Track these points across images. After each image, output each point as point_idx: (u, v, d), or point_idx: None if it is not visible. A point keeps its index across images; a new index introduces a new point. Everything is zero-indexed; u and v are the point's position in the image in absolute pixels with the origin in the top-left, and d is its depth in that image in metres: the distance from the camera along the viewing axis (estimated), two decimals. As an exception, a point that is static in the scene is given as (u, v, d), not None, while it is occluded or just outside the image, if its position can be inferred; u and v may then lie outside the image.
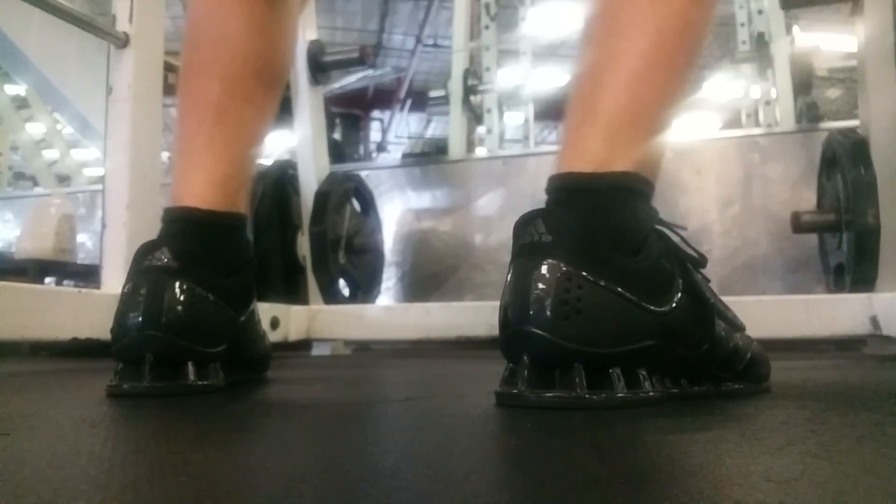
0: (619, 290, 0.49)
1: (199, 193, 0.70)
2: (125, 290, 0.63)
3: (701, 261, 0.56)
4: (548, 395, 0.49)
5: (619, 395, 0.49)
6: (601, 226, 0.51)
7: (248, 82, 0.75)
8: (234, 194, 0.73)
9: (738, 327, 0.59)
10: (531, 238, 0.50)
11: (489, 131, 3.11)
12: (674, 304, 0.52)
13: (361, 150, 9.33)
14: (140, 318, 0.61)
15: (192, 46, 0.77)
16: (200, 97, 0.74)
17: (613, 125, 0.54)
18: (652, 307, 0.50)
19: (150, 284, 0.62)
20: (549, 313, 0.48)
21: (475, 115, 3.03)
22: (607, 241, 0.50)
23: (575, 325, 0.48)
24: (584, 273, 0.48)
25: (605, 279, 0.49)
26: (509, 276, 0.51)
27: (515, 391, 0.50)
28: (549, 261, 0.49)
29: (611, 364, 0.49)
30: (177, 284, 0.62)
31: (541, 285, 0.48)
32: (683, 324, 0.53)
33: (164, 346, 0.61)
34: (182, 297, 0.62)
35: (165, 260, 0.63)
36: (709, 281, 0.57)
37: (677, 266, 0.54)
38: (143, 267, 0.63)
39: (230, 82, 0.74)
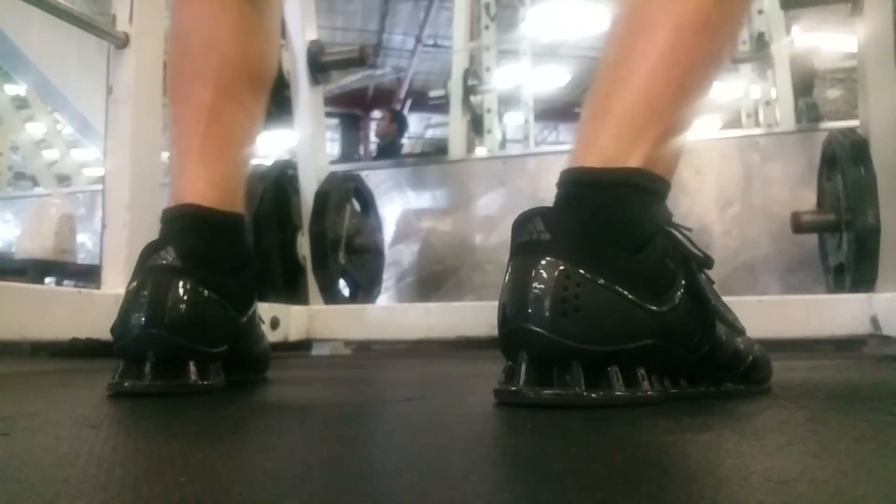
0: (618, 288, 0.49)
1: (200, 192, 0.70)
2: (129, 289, 0.63)
3: (707, 262, 0.55)
4: (546, 392, 0.49)
5: (618, 393, 0.49)
6: (603, 223, 0.51)
7: (239, 86, 0.76)
8: (233, 194, 0.74)
9: (738, 331, 0.59)
10: (529, 236, 0.50)
11: (489, 131, 3.11)
12: (674, 303, 0.52)
13: (361, 150, 9.34)
14: (143, 317, 0.61)
15: (180, 51, 0.78)
16: (194, 100, 0.74)
17: (626, 120, 0.54)
18: (651, 306, 0.50)
19: (154, 283, 0.62)
20: (547, 311, 0.48)
21: (474, 121, 3.04)
22: (608, 239, 0.50)
23: (573, 322, 0.48)
24: (583, 271, 0.48)
25: (604, 277, 0.49)
26: (507, 274, 0.51)
27: (514, 388, 0.49)
28: (548, 258, 0.49)
29: (609, 362, 0.49)
30: (181, 284, 0.62)
31: (539, 283, 0.48)
32: (683, 324, 0.52)
33: (166, 346, 0.61)
34: (186, 297, 0.62)
35: (170, 259, 0.63)
36: (713, 282, 0.57)
37: (681, 266, 0.53)
38: (147, 266, 0.63)
39: (222, 87, 0.74)
